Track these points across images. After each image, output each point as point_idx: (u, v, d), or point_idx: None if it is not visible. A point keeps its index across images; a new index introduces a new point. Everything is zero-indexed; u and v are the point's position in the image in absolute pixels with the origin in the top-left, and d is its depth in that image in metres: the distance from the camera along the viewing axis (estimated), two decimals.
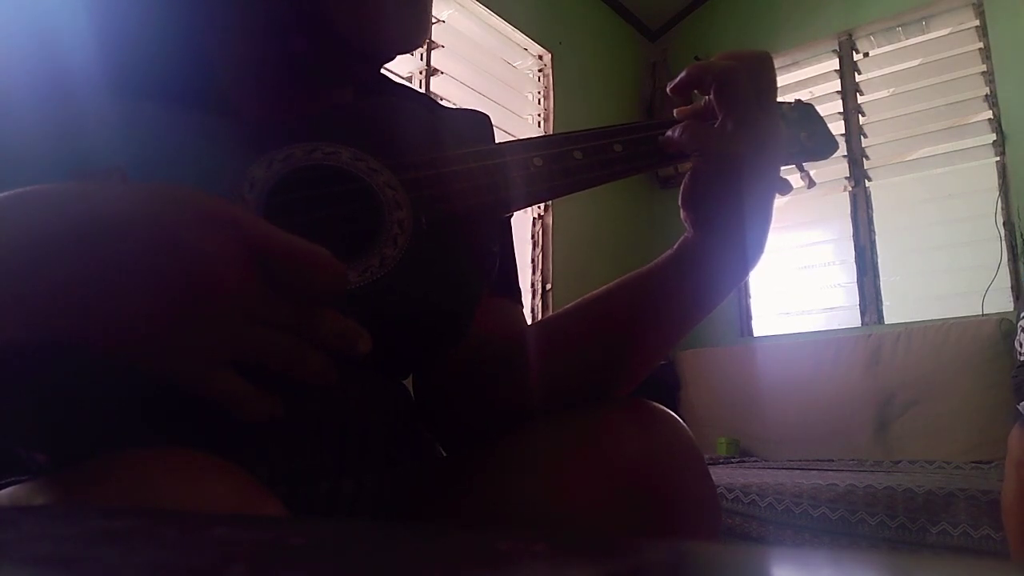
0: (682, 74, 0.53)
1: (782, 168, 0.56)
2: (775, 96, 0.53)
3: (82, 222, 0.34)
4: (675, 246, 0.54)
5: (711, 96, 0.52)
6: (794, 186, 0.57)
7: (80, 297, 0.33)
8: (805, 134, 0.62)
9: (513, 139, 0.55)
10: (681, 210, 0.55)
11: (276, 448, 0.46)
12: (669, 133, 0.54)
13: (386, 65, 0.60)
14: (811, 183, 0.64)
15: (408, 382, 0.60)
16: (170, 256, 0.34)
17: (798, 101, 0.64)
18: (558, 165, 0.52)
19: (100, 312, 0.33)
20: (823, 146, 0.62)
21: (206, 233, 0.35)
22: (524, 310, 0.64)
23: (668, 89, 0.54)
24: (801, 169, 0.62)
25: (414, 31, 0.53)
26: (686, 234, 0.55)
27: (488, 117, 0.65)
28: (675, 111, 0.56)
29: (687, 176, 0.55)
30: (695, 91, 0.53)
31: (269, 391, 0.38)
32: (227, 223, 0.36)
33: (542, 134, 0.56)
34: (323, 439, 0.49)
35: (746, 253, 0.52)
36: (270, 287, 0.36)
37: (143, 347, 0.34)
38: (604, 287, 0.55)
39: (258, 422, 0.38)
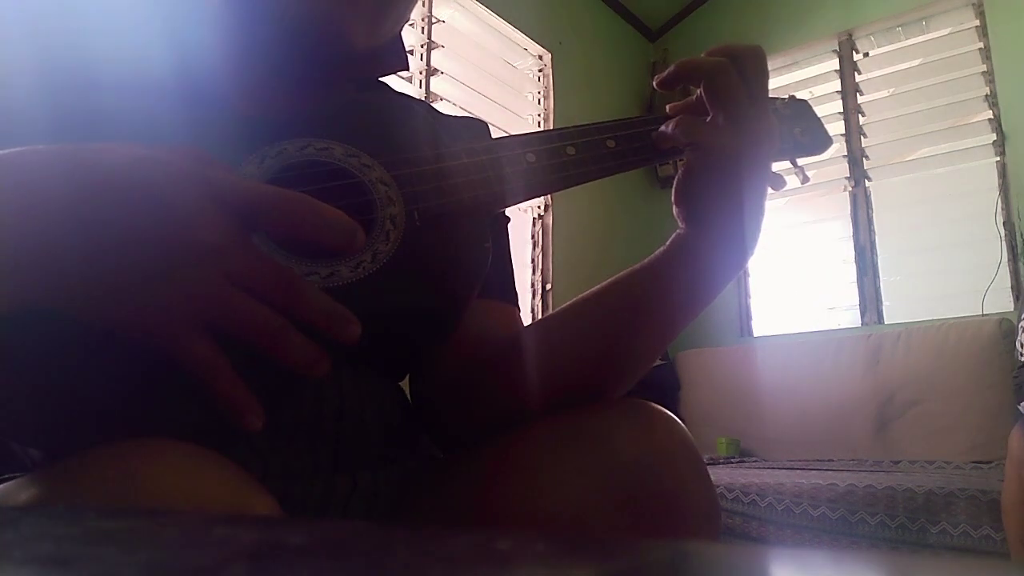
0: (670, 68, 0.53)
1: (776, 164, 0.56)
2: (766, 90, 0.53)
3: (60, 183, 0.34)
4: (668, 242, 0.54)
5: (701, 91, 0.52)
6: (788, 182, 0.57)
7: (54, 257, 0.33)
8: (799, 130, 0.62)
9: (506, 135, 0.55)
10: (674, 206, 0.55)
11: (270, 445, 0.46)
12: (662, 128, 0.54)
13: (386, 69, 0.60)
14: (805, 178, 0.64)
15: (405, 384, 0.60)
16: (146, 210, 0.34)
17: (792, 97, 0.64)
18: (551, 161, 0.52)
19: (74, 270, 0.33)
20: (817, 142, 0.62)
21: (185, 189, 0.35)
22: (521, 312, 0.64)
23: (655, 83, 0.54)
24: (795, 164, 0.62)
25: (375, 20, 0.52)
26: (679, 230, 0.55)
27: (487, 125, 0.65)
28: (667, 106, 0.56)
29: (680, 171, 0.55)
30: (689, 86, 0.54)
31: (255, 393, 0.38)
32: (199, 179, 0.35)
33: None
34: (318, 437, 0.49)
35: (739, 248, 0.52)
36: (265, 249, 0.36)
37: (116, 303, 0.34)
38: (598, 286, 0.55)
39: (239, 422, 0.36)
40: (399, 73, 0.62)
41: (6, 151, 0.34)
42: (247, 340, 0.36)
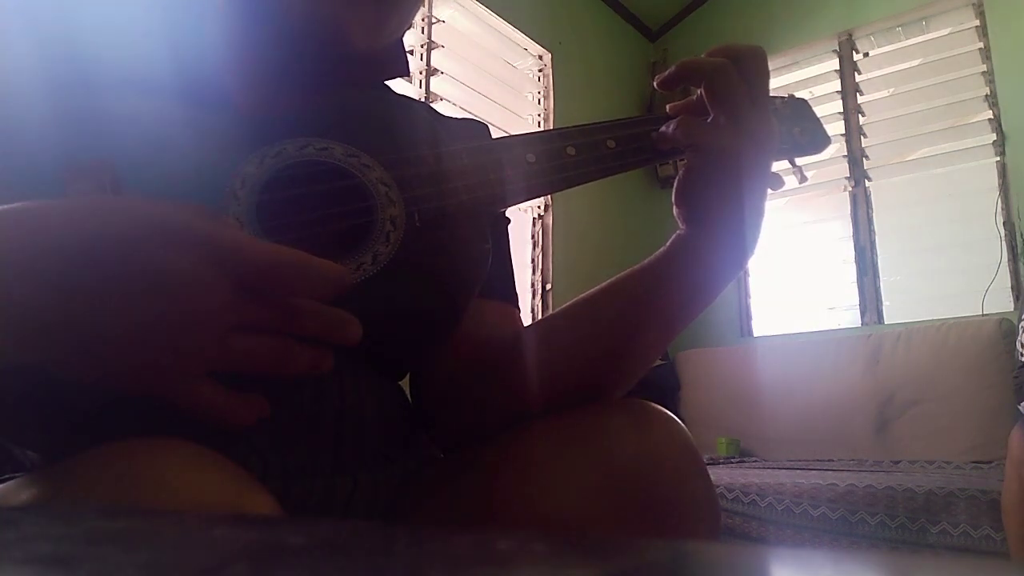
0: (671, 69, 0.53)
1: (775, 163, 0.56)
2: (767, 90, 0.53)
3: (48, 247, 0.34)
4: (668, 243, 0.54)
5: (702, 92, 0.52)
6: (786, 182, 0.57)
7: (47, 323, 0.33)
8: (798, 129, 0.62)
9: (507, 135, 0.55)
10: (674, 206, 0.55)
11: (269, 444, 0.47)
12: (663, 129, 0.54)
13: (386, 73, 0.60)
14: (803, 178, 0.64)
15: (405, 384, 0.60)
16: (135, 277, 0.34)
17: (791, 96, 0.64)
18: (552, 162, 0.52)
19: (66, 337, 0.34)
20: (816, 141, 0.62)
21: (173, 252, 0.35)
22: (521, 312, 0.64)
23: (656, 83, 0.54)
24: (793, 164, 0.62)
25: (375, 22, 0.52)
26: (679, 231, 0.55)
27: (487, 126, 0.65)
28: (668, 107, 0.56)
29: (680, 171, 0.55)
30: (690, 87, 0.54)
31: (253, 391, 0.38)
32: (197, 242, 0.35)
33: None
34: (318, 436, 0.49)
35: (739, 249, 0.52)
36: (251, 298, 0.36)
37: (113, 369, 0.35)
38: (598, 287, 0.55)
39: (245, 425, 0.38)
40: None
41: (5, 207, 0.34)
42: (256, 370, 0.37)
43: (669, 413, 0.50)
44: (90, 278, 0.33)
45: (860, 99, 2.91)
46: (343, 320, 0.38)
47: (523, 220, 2.78)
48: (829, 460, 2.31)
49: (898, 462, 2.19)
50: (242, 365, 0.37)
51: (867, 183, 2.84)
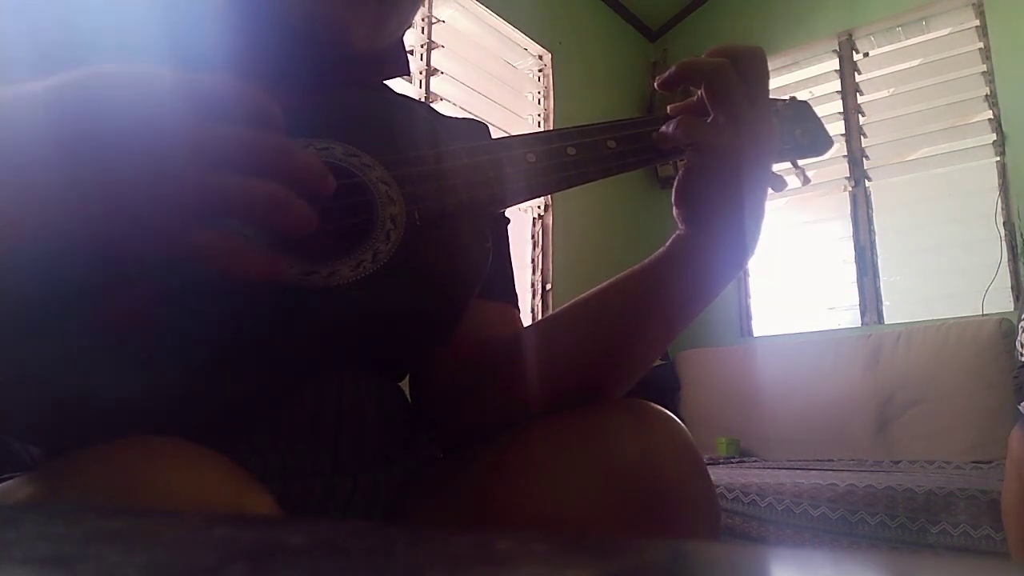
0: (671, 69, 0.53)
1: (777, 165, 0.56)
2: (767, 91, 0.53)
3: (30, 110, 0.34)
4: (667, 243, 0.54)
5: (702, 92, 0.52)
6: (788, 183, 0.57)
7: (31, 184, 0.33)
8: (800, 131, 0.62)
9: (507, 135, 0.55)
10: (674, 207, 0.55)
11: (269, 444, 0.46)
12: (663, 129, 0.54)
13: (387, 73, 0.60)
14: (805, 180, 0.64)
15: (405, 384, 0.60)
16: (121, 119, 0.34)
17: (792, 98, 0.64)
18: (552, 161, 0.52)
19: (54, 193, 0.33)
20: (818, 143, 0.62)
21: (155, 94, 0.35)
22: (521, 312, 0.64)
23: (656, 84, 0.54)
24: (795, 166, 0.62)
25: (376, 22, 0.52)
26: (678, 231, 0.55)
27: (487, 127, 0.65)
28: (668, 107, 0.56)
29: (680, 172, 0.55)
30: (690, 87, 0.54)
31: (252, 392, 0.37)
32: (174, 82, 0.35)
33: None
34: (317, 437, 0.49)
35: (739, 249, 0.52)
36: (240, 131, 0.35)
37: (105, 218, 0.33)
38: (597, 287, 0.55)
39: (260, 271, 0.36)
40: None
41: None
42: (247, 217, 0.36)
43: (669, 413, 0.50)
44: (67, 131, 0.33)
45: (860, 99, 2.91)
46: (324, 170, 0.37)
47: (523, 220, 2.78)
48: (829, 460, 2.31)
49: (898, 462, 2.19)
50: (236, 209, 0.35)
51: (867, 183, 2.84)
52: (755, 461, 2.42)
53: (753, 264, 3.07)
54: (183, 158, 0.34)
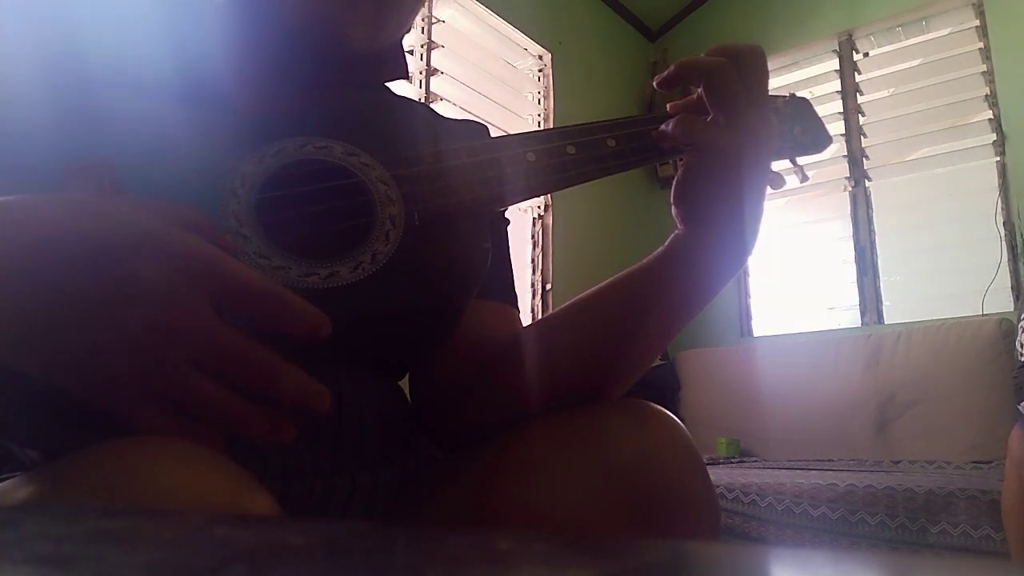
0: (670, 68, 0.53)
1: (776, 162, 0.56)
2: (766, 89, 0.53)
3: (27, 242, 0.33)
4: (666, 243, 0.54)
5: (701, 91, 0.52)
6: (788, 181, 0.57)
7: (22, 321, 0.33)
8: (799, 128, 0.62)
9: (506, 134, 0.55)
10: (672, 206, 0.55)
11: (269, 444, 0.46)
12: (663, 127, 0.54)
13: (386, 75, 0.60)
14: (804, 177, 0.64)
15: (404, 385, 0.60)
16: (106, 280, 0.34)
17: (792, 95, 0.64)
18: (551, 160, 0.52)
19: (37, 334, 0.33)
20: (817, 140, 0.62)
21: (149, 259, 0.34)
22: (521, 312, 0.64)
23: (655, 83, 0.54)
24: (794, 163, 0.62)
25: (375, 23, 0.52)
26: (677, 231, 0.54)
27: (486, 128, 0.65)
28: (668, 105, 0.56)
29: (679, 170, 0.55)
30: (689, 86, 0.54)
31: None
32: (175, 252, 0.35)
33: None
34: (317, 437, 0.48)
35: (738, 248, 0.52)
36: (236, 328, 0.35)
37: (79, 373, 0.34)
38: (596, 286, 0.55)
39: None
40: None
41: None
42: (207, 420, 0.36)
43: (669, 413, 0.50)
44: (62, 275, 0.33)
45: (860, 99, 2.91)
46: (317, 391, 0.37)
47: (523, 220, 2.78)
48: (829, 460, 2.31)
49: (898, 462, 2.19)
50: (197, 409, 0.35)
51: (867, 183, 2.84)
52: (755, 461, 2.42)
53: (753, 264, 3.07)
54: (177, 347, 0.34)
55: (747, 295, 3.10)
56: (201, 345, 0.35)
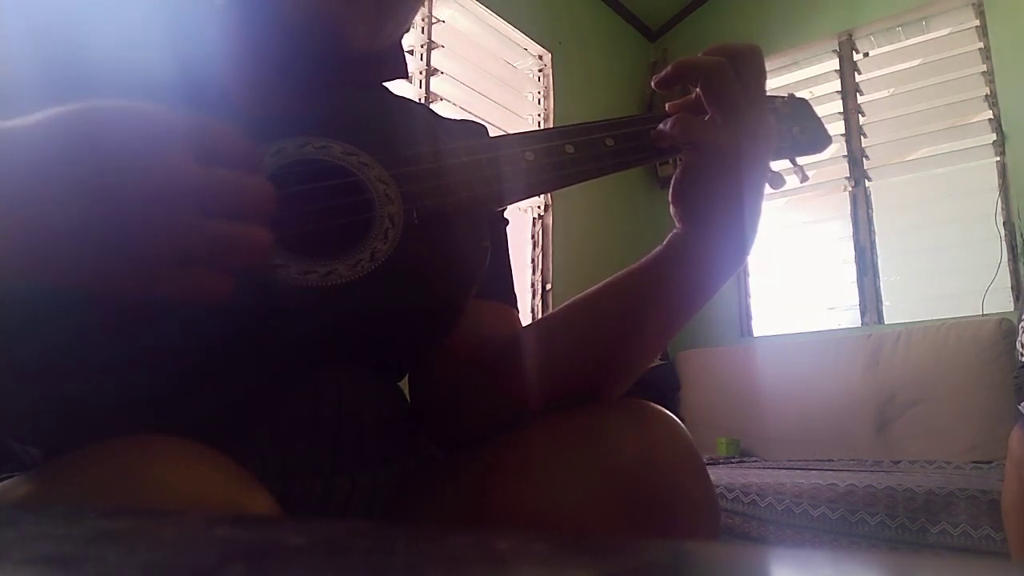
0: (668, 68, 0.53)
1: (776, 162, 0.56)
2: (763, 89, 0.53)
3: (25, 138, 0.33)
4: (664, 242, 0.54)
5: (699, 91, 0.52)
6: (787, 181, 0.57)
7: (24, 222, 0.32)
8: (798, 128, 0.62)
9: (505, 133, 0.55)
10: (671, 205, 0.55)
11: (269, 444, 0.46)
12: (661, 127, 0.54)
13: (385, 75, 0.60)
14: (804, 177, 0.64)
15: (404, 385, 0.60)
16: (108, 162, 0.33)
17: (791, 95, 0.64)
18: (550, 159, 0.52)
19: (27, 227, 0.32)
20: (816, 140, 0.62)
21: (134, 138, 0.34)
22: (520, 312, 0.64)
23: (653, 83, 0.54)
24: (794, 163, 0.62)
25: (374, 23, 0.52)
26: (675, 230, 0.55)
27: (485, 128, 0.66)
28: (667, 105, 0.56)
29: (678, 170, 0.55)
30: (688, 85, 0.54)
31: (251, 392, 0.37)
32: (153, 122, 0.35)
33: None
34: (317, 437, 0.49)
35: (737, 247, 0.52)
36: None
37: (94, 259, 0.33)
38: (595, 286, 0.55)
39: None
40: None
41: None
42: (233, 266, 0.35)
43: (669, 413, 0.50)
44: (46, 167, 0.33)
45: (860, 99, 2.91)
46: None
47: (523, 220, 2.78)
48: (829, 460, 2.31)
49: (898, 462, 2.19)
50: (222, 258, 0.35)
51: (867, 183, 2.84)
52: (755, 461, 2.42)
53: (753, 264, 3.07)
54: (172, 200, 0.34)
55: (747, 295, 3.10)
56: (205, 195, 0.34)
